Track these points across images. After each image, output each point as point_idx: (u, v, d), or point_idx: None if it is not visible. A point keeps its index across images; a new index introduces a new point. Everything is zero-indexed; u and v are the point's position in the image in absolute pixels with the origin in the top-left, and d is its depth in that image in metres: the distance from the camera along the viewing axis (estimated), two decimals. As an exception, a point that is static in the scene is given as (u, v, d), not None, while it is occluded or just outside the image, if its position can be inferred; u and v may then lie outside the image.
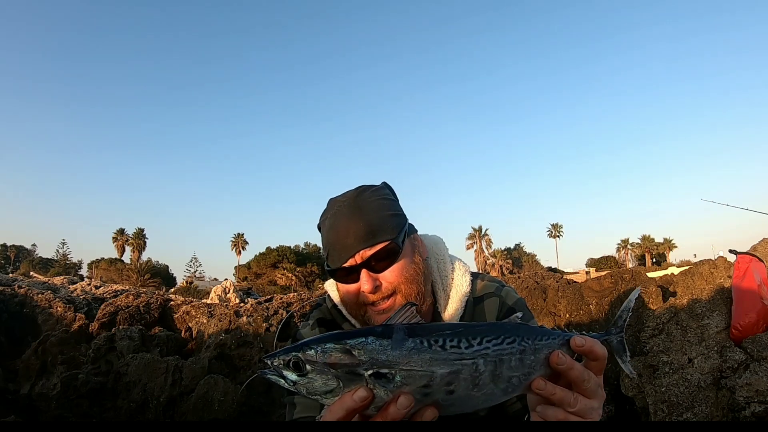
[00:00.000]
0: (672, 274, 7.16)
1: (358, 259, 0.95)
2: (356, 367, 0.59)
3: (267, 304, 5.17)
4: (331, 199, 1.05)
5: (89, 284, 10.83)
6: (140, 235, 58.15)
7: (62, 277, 12.07)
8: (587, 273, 28.60)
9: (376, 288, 0.95)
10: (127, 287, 11.86)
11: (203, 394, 3.46)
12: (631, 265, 30.81)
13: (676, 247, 59.93)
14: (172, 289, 20.76)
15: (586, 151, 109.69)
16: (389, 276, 0.96)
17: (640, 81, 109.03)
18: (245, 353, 4.00)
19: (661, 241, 60.08)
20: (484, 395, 0.62)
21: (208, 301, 6.12)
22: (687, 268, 4.28)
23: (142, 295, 5.76)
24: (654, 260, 56.24)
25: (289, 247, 42.42)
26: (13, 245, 70.33)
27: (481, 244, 57.40)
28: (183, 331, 4.84)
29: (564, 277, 5.55)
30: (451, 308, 1.07)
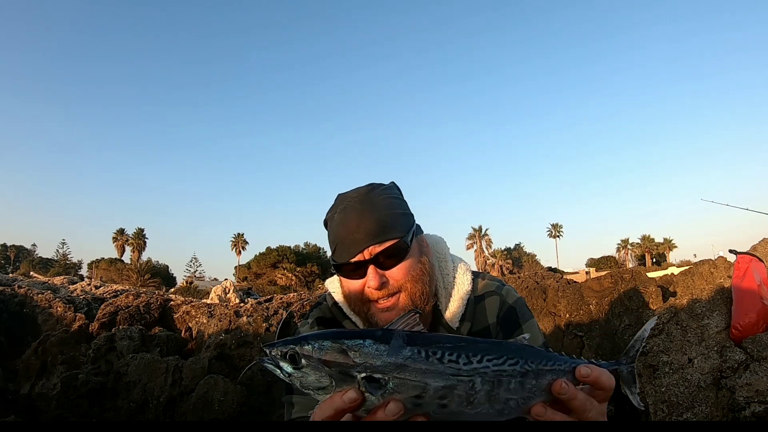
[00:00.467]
0: (672, 274, 7.16)
1: (366, 254, 0.95)
2: (349, 369, 0.59)
3: (267, 304, 5.17)
4: (340, 195, 1.05)
5: (89, 284, 10.83)
6: (140, 235, 58.13)
7: (62, 277, 12.07)
8: (587, 273, 28.59)
9: (383, 285, 0.95)
10: (127, 287, 11.85)
11: (203, 394, 3.46)
12: (631, 265, 30.79)
13: (676, 247, 59.97)
14: (172, 289, 20.76)
15: (586, 151, 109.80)
16: (396, 274, 0.96)
17: (640, 81, 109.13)
18: (245, 353, 4.00)
19: (661, 241, 60.10)
20: (477, 414, 0.61)
21: (208, 301, 6.12)
22: (687, 268, 4.28)
23: (142, 295, 5.76)
24: (654, 260, 56.24)
25: (289, 247, 42.42)
26: (13, 245, 70.36)
27: (481, 244, 57.39)
28: (183, 331, 4.84)
29: (564, 277, 5.54)
30: (453, 307, 1.07)
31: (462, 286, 1.09)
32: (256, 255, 43.11)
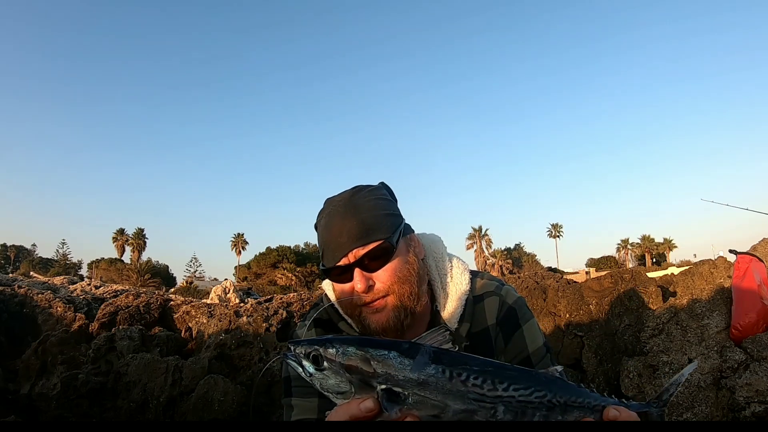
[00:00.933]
0: (672, 274, 7.17)
1: (351, 258, 0.95)
2: (370, 378, 0.59)
3: (267, 304, 5.17)
4: (327, 199, 1.05)
5: (89, 284, 10.83)
6: (140, 235, 58.13)
7: (62, 277, 12.07)
8: (587, 273, 28.60)
9: (370, 287, 0.95)
10: (127, 287, 11.85)
11: (203, 394, 3.46)
12: (631, 265, 30.80)
13: (676, 247, 59.97)
14: (172, 289, 20.76)
15: (586, 151, 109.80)
16: (382, 276, 0.96)
17: (640, 81, 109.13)
18: (245, 353, 4.00)
19: (661, 241, 60.09)
20: None
21: (208, 301, 6.12)
22: (687, 268, 4.28)
23: (142, 295, 5.76)
24: (654, 260, 56.23)
25: (289, 247, 42.42)
26: (13, 245, 70.35)
27: (481, 244, 57.38)
28: (183, 331, 4.84)
29: (564, 277, 5.54)
30: (450, 307, 1.07)
31: (459, 286, 1.08)
32: (256, 255, 43.14)
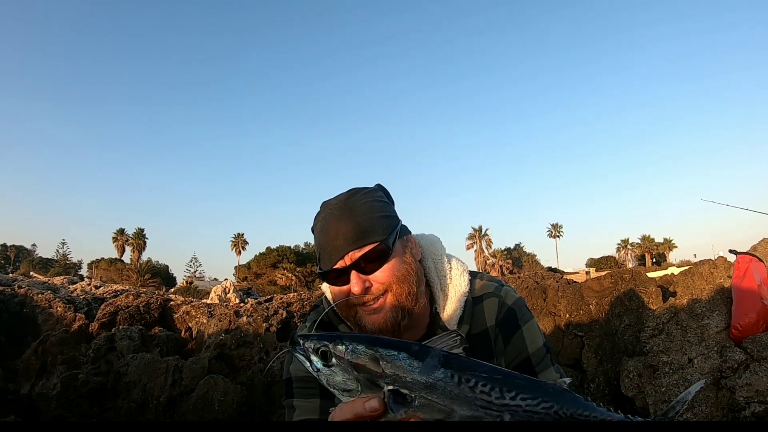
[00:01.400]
0: (672, 274, 7.17)
1: (347, 260, 0.95)
2: (378, 378, 0.59)
3: (267, 304, 5.17)
4: (323, 202, 1.05)
5: (89, 284, 10.83)
6: (140, 235, 58.14)
7: (62, 277, 12.07)
8: (587, 273, 28.61)
9: (366, 289, 0.95)
10: (127, 287, 11.86)
11: (203, 394, 3.46)
12: (631, 265, 30.81)
13: (676, 247, 59.97)
14: (172, 289, 20.76)
15: (586, 151, 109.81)
16: (380, 276, 0.96)
17: (640, 81, 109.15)
18: (245, 353, 4.00)
19: (661, 241, 60.10)
20: None
21: (208, 301, 6.12)
22: (687, 268, 4.28)
23: (142, 295, 5.76)
24: (654, 260, 56.24)
25: (289, 247, 42.43)
26: (13, 245, 70.36)
27: (481, 244, 57.40)
28: (183, 331, 4.84)
29: (564, 277, 5.55)
30: (450, 308, 1.06)
31: (459, 287, 1.07)
32: (256, 255, 43.14)
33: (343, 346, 0.61)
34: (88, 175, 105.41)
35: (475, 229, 58.17)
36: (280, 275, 39.81)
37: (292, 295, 5.88)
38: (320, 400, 1.00)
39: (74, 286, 10.04)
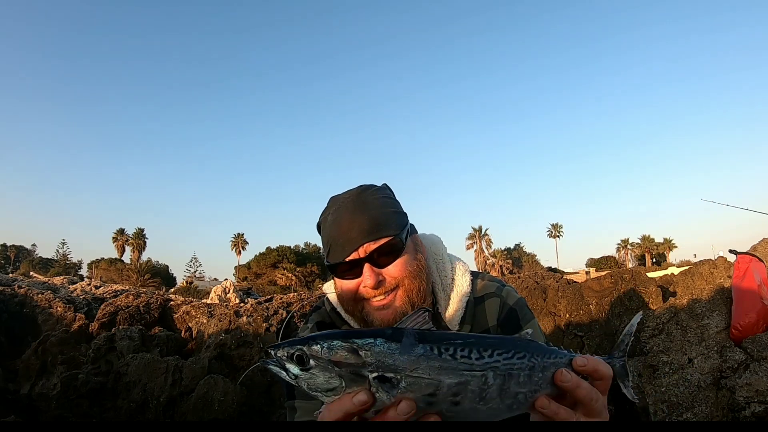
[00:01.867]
0: (672, 274, 7.17)
1: (361, 253, 0.94)
2: (361, 368, 0.58)
3: (267, 304, 5.17)
4: (332, 197, 1.05)
5: (89, 284, 10.83)
6: (140, 235, 58.14)
7: (62, 277, 12.07)
8: (587, 273, 28.60)
9: (379, 283, 0.94)
10: (127, 287, 11.86)
11: (203, 394, 3.46)
12: (631, 265, 30.80)
13: (676, 247, 59.97)
14: (172, 289, 20.76)
15: (586, 151, 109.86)
16: (393, 270, 0.95)
17: (640, 81, 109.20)
18: (245, 353, 4.00)
19: (661, 241, 60.09)
20: (489, 410, 0.61)
21: (208, 301, 6.12)
22: (687, 268, 4.28)
23: (142, 295, 5.77)
24: (654, 260, 56.24)
25: (289, 247, 42.43)
26: (13, 245, 70.37)
27: (481, 244, 57.40)
28: (183, 331, 4.84)
29: (564, 277, 5.55)
30: (452, 309, 1.06)
31: (461, 287, 1.07)
32: (256, 255, 43.15)
33: (318, 346, 0.59)
34: (88, 175, 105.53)
35: (475, 229, 58.18)
36: (280, 275, 39.82)
37: (292, 295, 5.89)
38: None
39: (74, 286, 10.04)
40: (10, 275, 12.29)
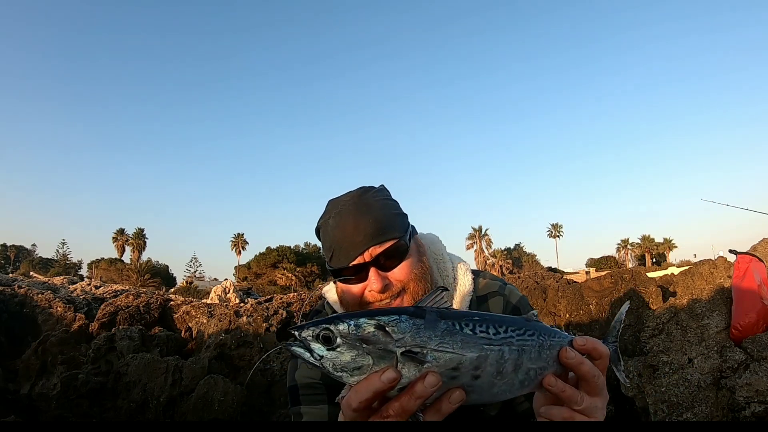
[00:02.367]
0: (672, 274, 7.17)
1: (367, 256, 0.93)
2: (389, 345, 0.58)
3: (267, 304, 5.17)
4: (331, 200, 1.03)
5: (89, 284, 10.83)
6: (140, 235, 58.15)
7: (62, 277, 12.07)
8: (587, 273, 28.60)
9: (386, 287, 0.93)
10: (127, 287, 11.86)
11: (203, 394, 3.46)
12: (631, 265, 30.79)
13: (676, 247, 59.98)
14: (172, 289, 20.76)
15: (586, 151, 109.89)
16: (399, 274, 0.94)
17: (640, 81, 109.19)
18: (245, 353, 4.00)
19: (661, 241, 60.09)
20: (504, 384, 0.63)
21: (208, 301, 6.12)
22: (687, 268, 4.28)
23: (142, 295, 5.77)
24: (654, 260, 56.23)
25: (289, 247, 42.42)
26: (13, 245, 70.39)
27: (481, 244, 57.39)
28: (183, 331, 4.84)
29: (564, 277, 5.55)
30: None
31: (463, 286, 1.07)
32: (256, 255, 43.13)
33: (345, 324, 0.60)
34: (88, 175, 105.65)
35: (475, 229, 58.17)
36: (280, 275, 39.81)
37: (292, 295, 5.89)
38: (328, 406, 0.99)
39: (74, 286, 10.04)
40: (10, 275, 12.29)
